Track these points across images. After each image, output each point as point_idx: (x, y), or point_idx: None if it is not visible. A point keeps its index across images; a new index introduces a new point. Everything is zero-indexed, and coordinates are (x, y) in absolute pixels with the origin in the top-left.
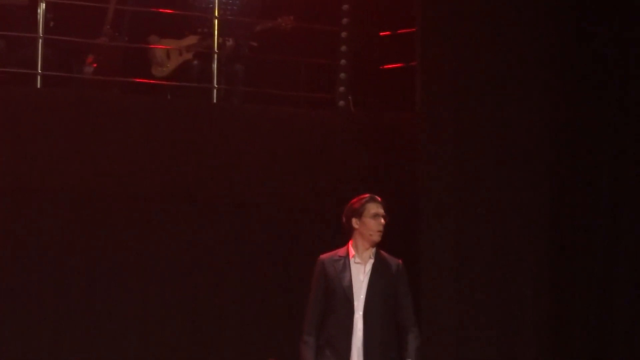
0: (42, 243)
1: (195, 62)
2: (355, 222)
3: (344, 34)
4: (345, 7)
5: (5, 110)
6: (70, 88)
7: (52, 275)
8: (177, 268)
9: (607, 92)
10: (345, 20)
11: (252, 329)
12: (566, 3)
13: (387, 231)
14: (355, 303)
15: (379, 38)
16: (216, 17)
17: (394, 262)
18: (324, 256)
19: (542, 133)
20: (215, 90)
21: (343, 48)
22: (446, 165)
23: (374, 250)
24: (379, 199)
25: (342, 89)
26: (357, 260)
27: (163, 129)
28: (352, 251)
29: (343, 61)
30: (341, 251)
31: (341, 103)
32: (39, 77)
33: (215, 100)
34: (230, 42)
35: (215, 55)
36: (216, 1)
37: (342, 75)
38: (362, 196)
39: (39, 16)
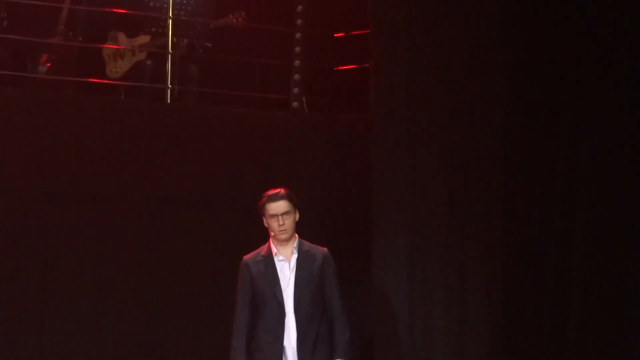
0: None
1: (149, 62)
2: (264, 221)
3: (298, 35)
4: (299, 8)
5: None
6: (24, 88)
7: (4, 273)
8: (132, 266)
9: (561, 101)
10: (299, 22)
11: (209, 329)
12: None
13: (338, 229)
14: (285, 303)
15: (332, 39)
16: (170, 17)
17: (320, 252)
18: (247, 257)
19: (496, 133)
20: (169, 91)
21: (297, 49)
22: (399, 165)
23: (295, 243)
24: (282, 192)
25: (296, 90)
26: (280, 257)
27: (117, 128)
28: (273, 249)
29: (297, 62)
30: (264, 249)
31: (295, 104)
32: None
33: (169, 101)
34: (183, 42)
35: (169, 56)
36: (170, 1)
37: (296, 76)
38: (264, 194)
39: None
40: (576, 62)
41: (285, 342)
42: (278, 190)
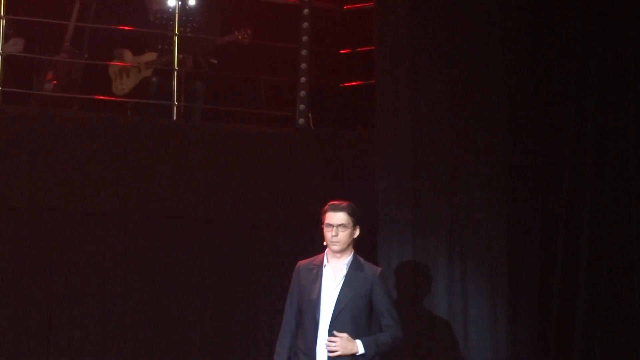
0: None
1: (155, 79)
2: (323, 229)
3: (304, 52)
4: (305, 25)
5: None
6: (30, 105)
7: (8, 292)
8: (136, 283)
9: (566, 110)
10: (305, 38)
11: (213, 344)
12: (525, 20)
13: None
14: (320, 318)
15: (338, 56)
16: (176, 34)
17: (371, 271)
18: (302, 262)
19: (500, 146)
20: (175, 108)
21: (303, 66)
22: (404, 181)
23: (349, 259)
24: (345, 204)
25: (302, 106)
26: (329, 270)
27: (123, 146)
28: (325, 260)
29: (303, 79)
30: (318, 258)
31: (301, 121)
32: None
33: (175, 118)
34: (189, 59)
35: (175, 73)
36: (176, 18)
37: (302, 93)
38: (329, 202)
39: None
40: (581, 68)
41: (318, 358)
42: (342, 201)
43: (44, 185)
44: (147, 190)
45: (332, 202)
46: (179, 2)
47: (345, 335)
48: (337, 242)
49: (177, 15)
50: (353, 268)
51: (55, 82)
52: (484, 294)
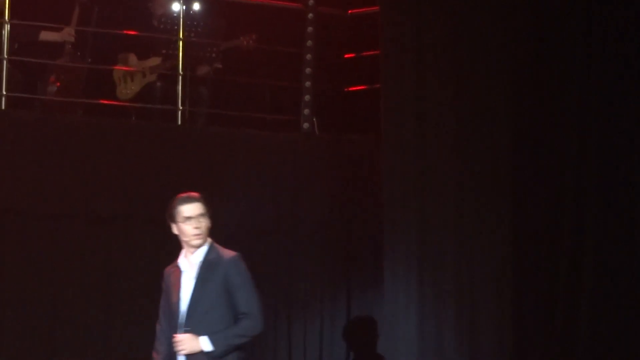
0: (2, 264)
1: (159, 83)
2: (173, 228)
3: (308, 57)
4: (309, 29)
5: None
6: (34, 110)
7: (12, 296)
8: (141, 289)
9: (571, 110)
10: (309, 43)
11: None
12: (530, 22)
13: (348, 251)
14: (180, 318)
15: (343, 60)
16: (180, 39)
17: (226, 256)
18: (168, 267)
19: (506, 149)
20: (179, 112)
21: (307, 70)
22: (409, 185)
23: (204, 250)
24: (197, 195)
25: (306, 111)
26: (186, 267)
27: (127, 150)
28: (182, 257)
29: (307, 83)
30: (179, 258)
31: (306, 125)
32: (3, 99)
33: (179, 122)
34: (206, 69)
35: (180, 77)
36: (181, 23)
37: (307, 97)
38: (177, 196)
39: (2, 37)
40: (587, 66)
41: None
42: (191, 192)
43: (47, 191)
44: (151, 195)
45: (181, 196)
46: (184, 7)
47: (187, 335)
48: (200, 234)
49: (181, 19)
50: (208, 258)
51: (58, 84)
52: (490, 298)
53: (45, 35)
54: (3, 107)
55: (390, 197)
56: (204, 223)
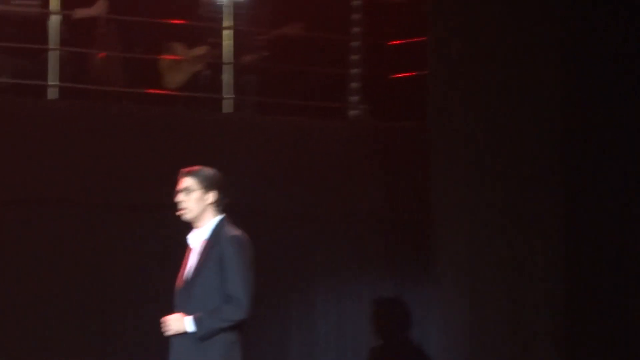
0: (54, 253)
1: (206, 72)
2: None
3: (354, 43)
4: (355, 16)
5: (18, 122)
6: (83, 100)
7: (62, 284)
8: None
9: (621, 96)
10: (355, 30)
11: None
12: (581, 14)
13: (397, 240)
14: (177, 295)
15: (389, 47)
16: (227, 28)
17: (226, 236)
18: None
19: (555, 137)
20: (225, 101)
21: (354, 57)
22: (458, 172)
23: (211, 227)
24: (186, 170)
25: (353, 98)
26: (193, 243)
27: (174, 139)
28: (190, 235)
29: (354, 70)
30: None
31: (353, 112)
32: (52, 89)
33: (226, 111)
34: (251, 56)
35: (226, 66)
36: (228, 11)
37: (354, 84)
38: None
39: (53, 28)
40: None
41: (172, 339)
42: (189, 167)
43: (97, 180)
44: None
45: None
46: None
47: (174, 315)
48: (182, 208)
49: (228, 8)
50: (212, 235)
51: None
52: (543, 293)
53: (81, 13)
54: (51, 97)
55: (439, 183)
56: (188, 198)
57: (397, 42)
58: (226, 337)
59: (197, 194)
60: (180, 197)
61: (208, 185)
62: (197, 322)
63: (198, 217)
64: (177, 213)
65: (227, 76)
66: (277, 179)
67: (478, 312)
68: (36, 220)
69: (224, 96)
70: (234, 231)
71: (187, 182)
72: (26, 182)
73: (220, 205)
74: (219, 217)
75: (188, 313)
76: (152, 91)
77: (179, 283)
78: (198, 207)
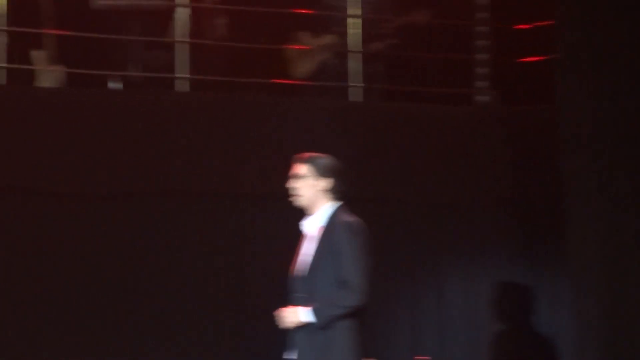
0: (143, 246)
1: (333, 61)
2: None
3: (481, 29)
4: (481, 1)
5: (150, 114)
6: (216, 91)
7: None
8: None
9: None
10: (482, 15)
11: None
12: None
13: (528, 226)
14: (293, 282)
15: (516, 31)
16: (354, 16)
17: (341, 222)
18: None
19: None
20: (352, 89)
21: (481, 42)
22: (588, 156)
23: (325, 212)
24: (300, 156)
25: (481, 83)
26: (308, 230)
27: (303, 128)
28: (305, 221)
29: (481, 56)
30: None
31: (480, 98)
32: (181, 81)
33: (352, 99)
34: (378, 44)
35: (353, 54)
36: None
37: (481, 70)
38: None
39: (180, 21)
40: None
41: (292, 331)
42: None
43: (226, 170)
44: None
45: None
46: None
47: (288, 309)
48: (296, 194)
49: None
50: (327, 222)
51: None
52: None
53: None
54: (180, 89)
55: (569, 168)
56: (301, 184)
57: (524, 26)
58: (345, 323)
59: (309, 180)
60: (293, 183)
61: (321, 172)
62: (315, 312)
63: (311, 204)
64: (290, 199)
65: (354, 64)
66: (405, 165)
67: (614, 300)
68: (188, 211)
69: (351, 84)
70: (349, 218)
71: (300, 168)
72: (162, 174)
73: (336, 193)
74: (334, 204)
75: (308, 300)
76: (279, 81)
77: (294, 269)
78: (310, 193)
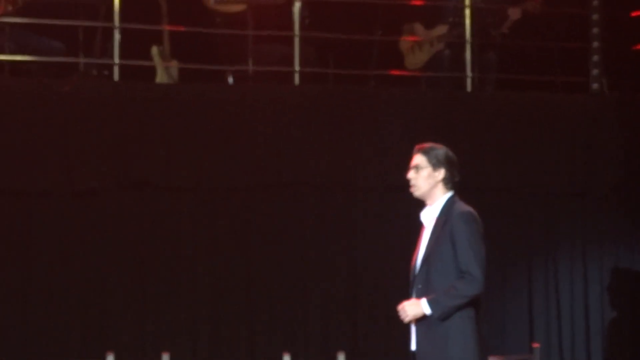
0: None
1: (447, 51)
2: None
3: (595, 17)
4: None
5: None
6: (326, 84)
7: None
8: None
9: None
10: (595, 3)
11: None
12: None
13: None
14: (413, 274)
15: (630, 19)
16: (467, 6)
17: (456, 212)
18: None
19: None
20: (468, 79)
21: (594, 30)
22: None
23: (441, 203)
24: (424, 145)
25: (595, 71)
26: (426, 220)
27: (418, 120)
28: (423, 212)
29: (595, 44)
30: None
31: (595, 86)
32: (296, 75)
33: (469, 89)
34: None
35: (468, 45)
36: None
37: (595, 57)
38: None
39: (294, 15)
40: None
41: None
42: (428, 143)
43: (342, 162)
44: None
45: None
46: None
47: (408, 301)
48: (413, 185)
49: None
50: (442, 213)
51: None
52: None
53: None
54: (296, 82)
55: None
56: (418, 175)
57: (638, 13)
58: (463, 313)
59: (426, 171)
60: (410, 175)
61: (437, 163)
62: (433, 303)
63: (428, 194)
64: (412, 190)
65: (470, 54)
66: (521, 154)
67: None
68: (305, 202)
69: (469, 74)
70: (464, 207)
71: (417, 159)
72: (281, 167)
73: (450, 183)
74: (448, 194)
75: (426, 291)
76: (395, 72)
77: (415, 260)
78: (427, 184)
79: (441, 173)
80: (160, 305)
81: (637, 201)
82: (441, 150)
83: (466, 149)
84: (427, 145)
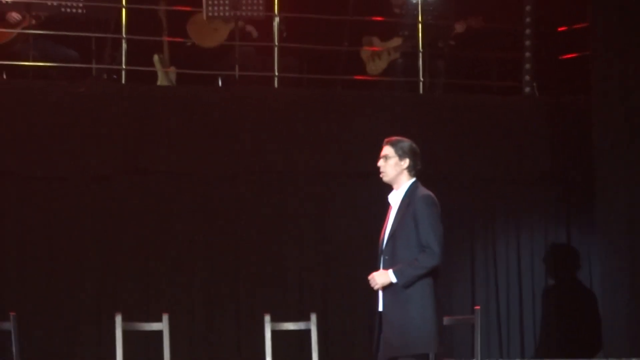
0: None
1: (401, 60)
2: None
3: (527, 31)
4: (527, 7)
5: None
6: (301, 87)
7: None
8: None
9: None
10: (528, 19)
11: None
12: None
13: (566, 198)
14: (380, 247)
15: (557, 33)
16: (419, 22)
17: (418, 195)
18: None
19: None
20: (421, 83)
21: (527, 43)
22: (618, 143)
23: (406, 187)
24: (387, 140)
25: (527, 77)
26: (393, 202)
27: (373, 118)
28: (390, 195)
29: (527, 54)
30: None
31: (527, 90)
32: (275, 79)
33: (421, 92)
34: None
35: (420, 54)
36: (419, 7)
37: (527, 66)
38: None
39: (274, 28)
40: None
41: (379, 291)
42: (395, 137)
43: (332, 154)
44: None
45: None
46: None
47: (377, 272)
48: (382, 172)
49: (420, 6)
50: (407, 196)
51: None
52: None
53: None
54: (276, 85)
55: (601, 152)
56: (385, 163)
57: (563, 28)
58: (424, 281)
59: (393, 160)
60: (380, 163)
61: (402, 153)
62: (398, 273)
63: (394, 180)
64: (381, 176)
65: (420, 62)
66: (465, 147)
67: (635, 260)
68: (298, 189)
69: (420, 79)
70: (425, 191)
71: (386, 150)
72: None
73: (413, 171)
74: (412, 180)
75: (391, 262)
76: (359, 77)
77: (382, 236)
78: (394, 171)
79: (406, 162)
80: (162, 273)
81: (561, 186)
82: (406, 142)
83: (418, 143)
84: (394, 138)
